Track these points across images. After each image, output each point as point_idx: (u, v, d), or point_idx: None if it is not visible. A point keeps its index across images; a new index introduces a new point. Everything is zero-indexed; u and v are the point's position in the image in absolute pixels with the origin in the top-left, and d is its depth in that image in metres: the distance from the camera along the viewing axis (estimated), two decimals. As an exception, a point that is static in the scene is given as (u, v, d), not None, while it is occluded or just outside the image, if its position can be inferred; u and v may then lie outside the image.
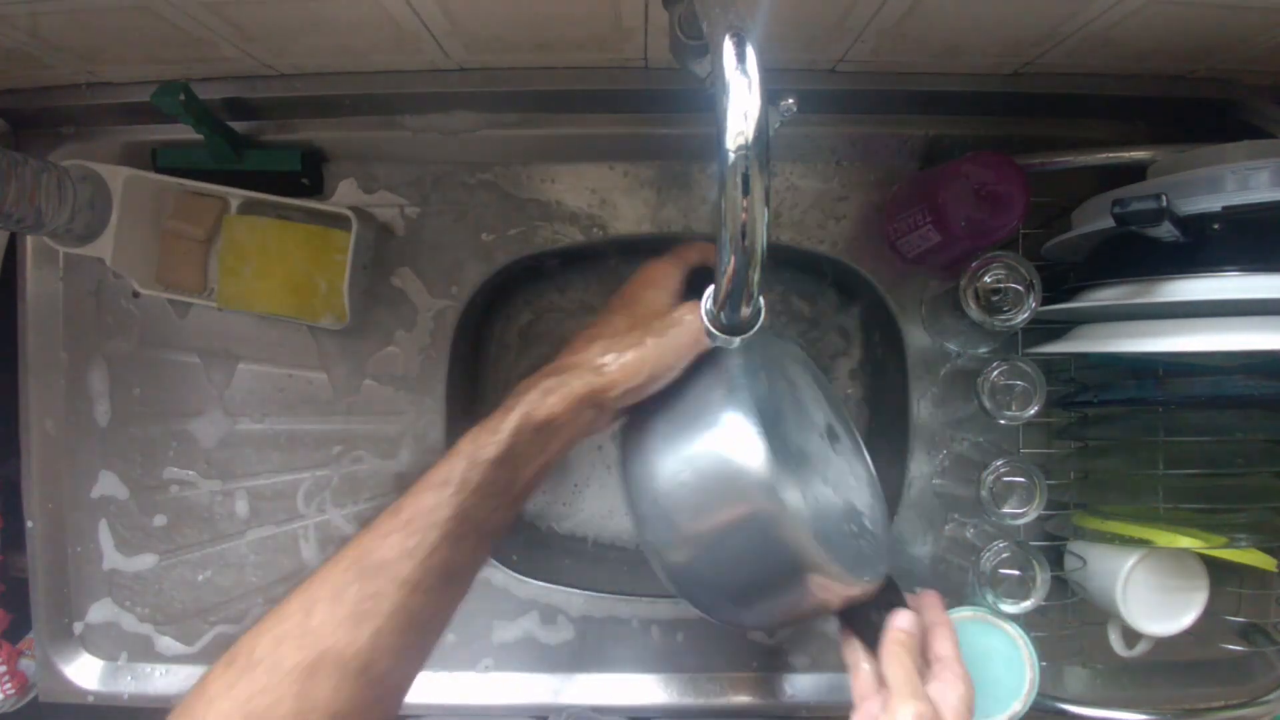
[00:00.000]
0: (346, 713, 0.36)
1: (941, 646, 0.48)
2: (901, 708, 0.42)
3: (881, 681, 0.45)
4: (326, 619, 0.36)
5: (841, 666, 0.65)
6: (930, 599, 0.52)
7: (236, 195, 0.62)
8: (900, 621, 0.46)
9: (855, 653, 0.48)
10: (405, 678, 0.40)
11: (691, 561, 0.42)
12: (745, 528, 0.40)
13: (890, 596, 0.47)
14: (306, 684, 0.35)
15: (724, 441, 0.40)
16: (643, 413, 0.44)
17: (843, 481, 0.50)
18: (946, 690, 0.44)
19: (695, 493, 0.41)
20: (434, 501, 0.39)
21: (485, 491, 0.40)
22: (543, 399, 0.41)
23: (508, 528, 0.43)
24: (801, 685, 0.65)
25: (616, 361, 0.42)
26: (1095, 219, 0.55)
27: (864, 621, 0.47)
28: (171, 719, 0.36)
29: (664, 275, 0.49)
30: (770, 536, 0.40)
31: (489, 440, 0.40)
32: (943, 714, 0.42)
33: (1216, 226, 0.48)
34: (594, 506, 0.76)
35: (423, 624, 0.39)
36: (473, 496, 0.39)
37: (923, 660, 0.47)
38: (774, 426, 0.41)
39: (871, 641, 0.47)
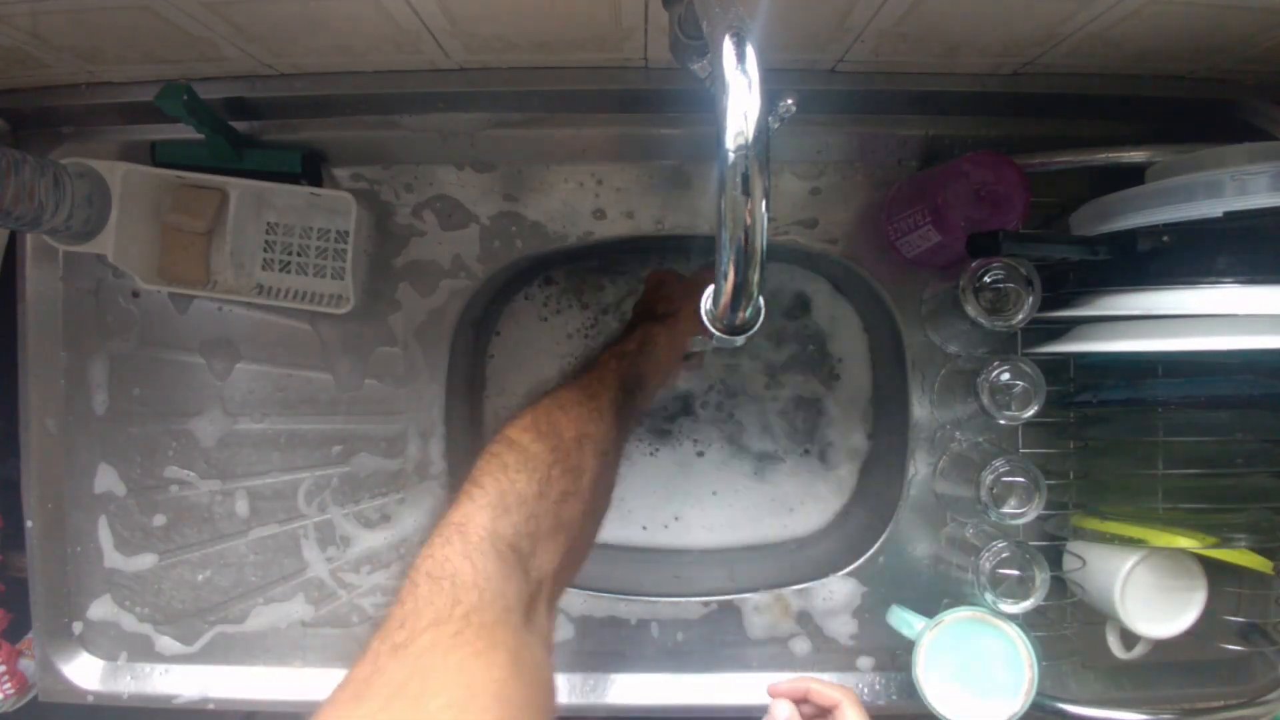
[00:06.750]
0: (600, 478, 0.49)
1: None
2: None
3: None
4: (578, 414, 0.49)
5: (841, 665, 0.66)
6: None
7: (235, 186, 0.62)
8: None
9: None
10: (615, 470, 0.53)
11: None
12: None
13: None
14: (579, 449, 0.47)
15: None
16: None
17: None
18: None
19: None
20: (603, 373, 0.54)
21: (632, 367, 0.56)
22: (652, 330, 0.59)
23: (643, 408, 0.58)
24: (801, 685, 0.65)
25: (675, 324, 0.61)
26: (1093, 222, 0.55)
27: None
28: (494, 453, 0.45)
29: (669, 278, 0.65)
30: None
31: (627, 341, 0.58)
32: None
33: (1214, 230, 0.48)
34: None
35: (619, 440, 0.53)
36: (625, 367, 0.55)
37: None
38: None
39: None
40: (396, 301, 0.66)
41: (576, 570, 0.49)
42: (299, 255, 0.66)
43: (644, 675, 0.66)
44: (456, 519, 0.41)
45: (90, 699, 0.66)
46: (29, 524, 0.66)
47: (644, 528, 0.75)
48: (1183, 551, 0.57)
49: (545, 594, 0.43)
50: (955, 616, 0.56)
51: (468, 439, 0.72)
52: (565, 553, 0.45)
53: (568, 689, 0.65)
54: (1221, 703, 0.62)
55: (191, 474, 0.66)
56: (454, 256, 0.66)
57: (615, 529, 0.76)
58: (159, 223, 0.63)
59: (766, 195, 0.32)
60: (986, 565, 0.56)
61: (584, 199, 0.66)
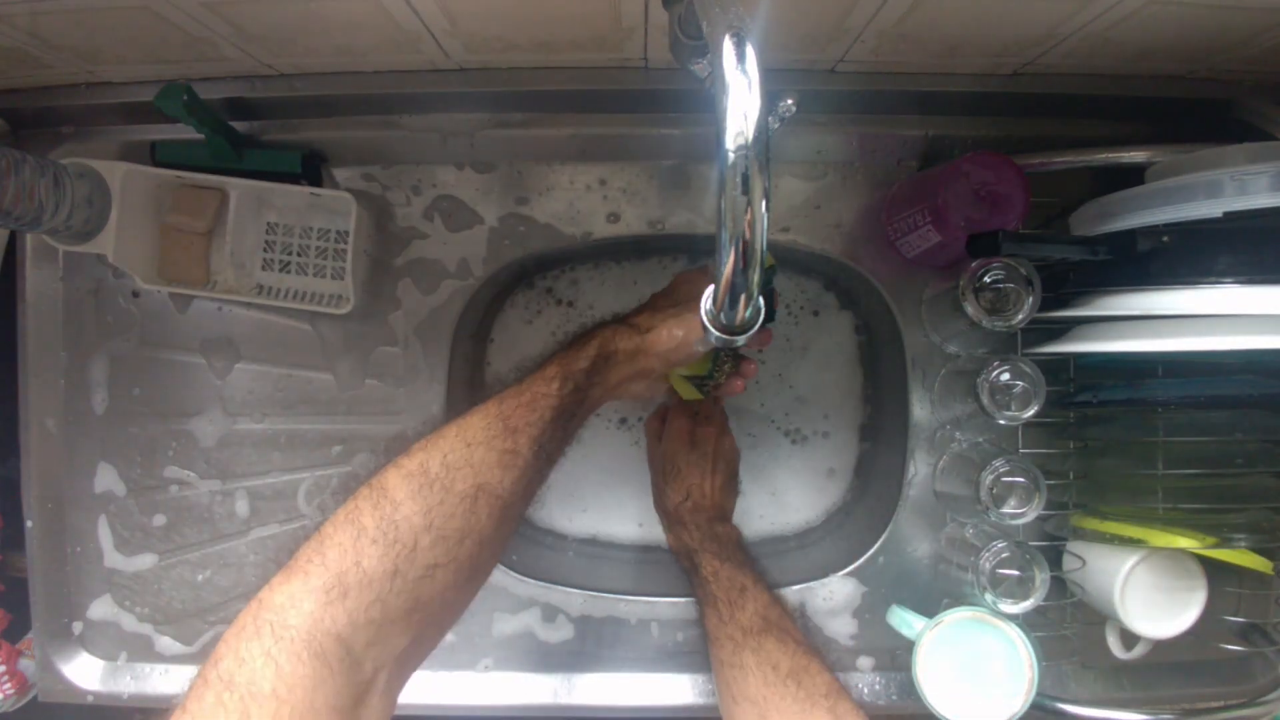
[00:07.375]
0: (492, 539, 0.43)
1: None
2: None
3: None
4: (484, 459, 0.43)
5: (843, 667, 0.65)
6: None
7: (235, 186, 0.62)
8: None
9: None
10: (519, 522, 0.49)
11: None
12: None
13: None
14: (471, 508, 0.42)
15: None
16: None
17: None
18: None
19: None
20: (546, 390, 0.48)
21: (576, 391, 0.49)
22: (613, 339, 0.52)
23: (575, 434, 0.52)
24: (801, 685, 0.65)
25: (653, 330, 0.53)
26: (1093, 222, 0.55)
27: None
28: (358, 507, 0.41)
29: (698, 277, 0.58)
30: None
31: (579, 357, 0.51)
32: None
33: (1214, 230, 0.48)
34: (596, 506, 0.76)
35: (534, 485, 0.47)
36: (568, 393, 0.49)
37: None
38: None
39: None
40: (397, 300, 0.66)
41: (436, 643, 0.43)
42: (299, 255, 0.66)
43: (644, 675, 0.66)
44: (279, 600, 0.37)
45: (90, 699, 0.66)
46: (29, 524, 0.66)
47: (640, 524, 0.75)
48: (1183, 551, 0.57)
49: (385, 680, 0.38)
50: (955, 616, 0.56)
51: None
52: (421, 632, 0.40)
53: (567, 689, 0.65)
54: (1221, 703, 0.62)
55: (191, 474, 0.66)
56: (454, 257, 0.66)
57: (612, 527, 0.76)
58: (159, 223, 0.63)
59: (766, 195, 0.32)
60: (986, 565, 0.56)
61: (587, 199, 0.66)
